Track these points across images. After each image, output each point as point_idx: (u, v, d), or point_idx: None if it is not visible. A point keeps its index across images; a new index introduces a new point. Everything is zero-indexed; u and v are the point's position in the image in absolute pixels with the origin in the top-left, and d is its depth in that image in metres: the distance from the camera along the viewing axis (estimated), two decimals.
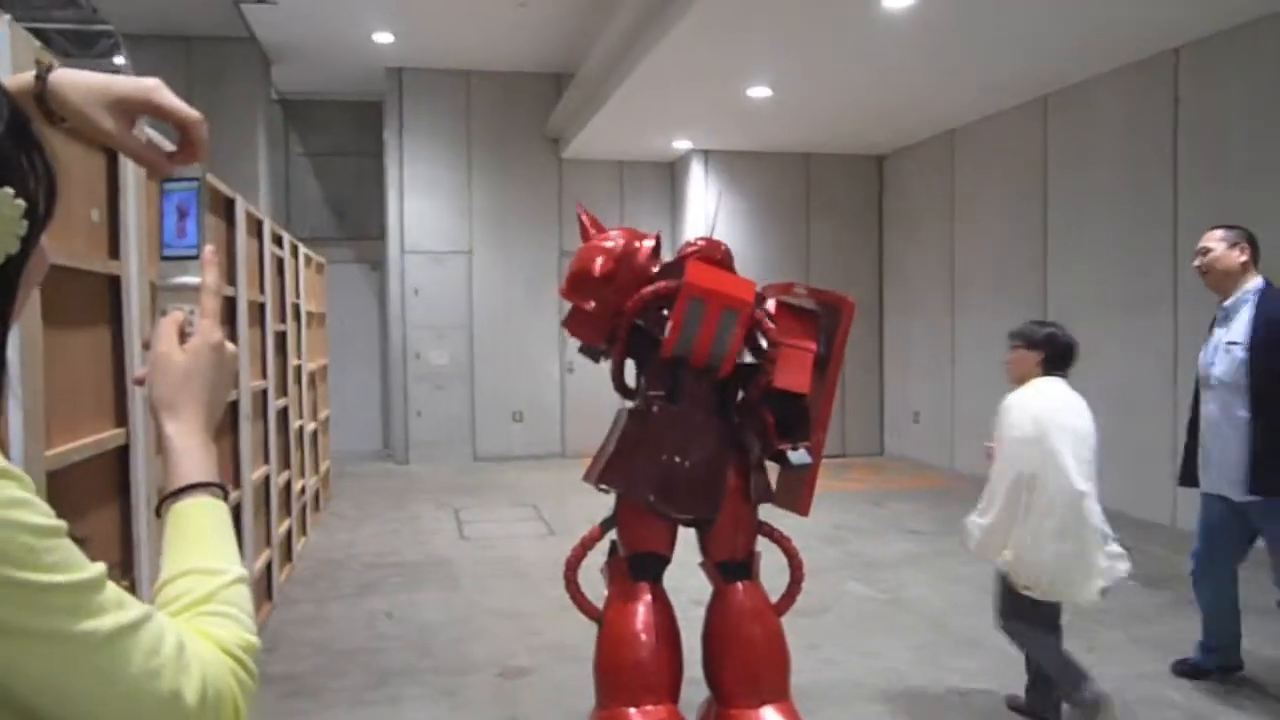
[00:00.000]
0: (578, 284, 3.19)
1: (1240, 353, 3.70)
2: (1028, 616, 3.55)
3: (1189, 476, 4.14)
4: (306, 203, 12.02)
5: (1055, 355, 3.61)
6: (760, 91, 8.19)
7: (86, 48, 12.65)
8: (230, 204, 4.54)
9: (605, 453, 3.21)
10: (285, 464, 6.22)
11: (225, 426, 4.44)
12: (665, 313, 3.10)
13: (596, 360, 3.42)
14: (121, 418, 2.76)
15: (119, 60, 10.97)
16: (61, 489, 2.33)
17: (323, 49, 10.22)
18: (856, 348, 11.03)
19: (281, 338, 6.14)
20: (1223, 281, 3.82)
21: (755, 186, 10.98)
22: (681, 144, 10.64)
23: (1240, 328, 3.74)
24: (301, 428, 6.95)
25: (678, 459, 3.07)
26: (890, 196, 11.12)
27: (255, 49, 9.92)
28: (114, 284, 2.73)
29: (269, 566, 5.40)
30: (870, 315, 11.20)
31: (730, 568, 3.21)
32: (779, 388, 3.02)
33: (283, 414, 6.12)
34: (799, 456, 3.10)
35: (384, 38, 9.78)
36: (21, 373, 2.02)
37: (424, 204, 11.10)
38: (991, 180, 9.22)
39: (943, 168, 9.99)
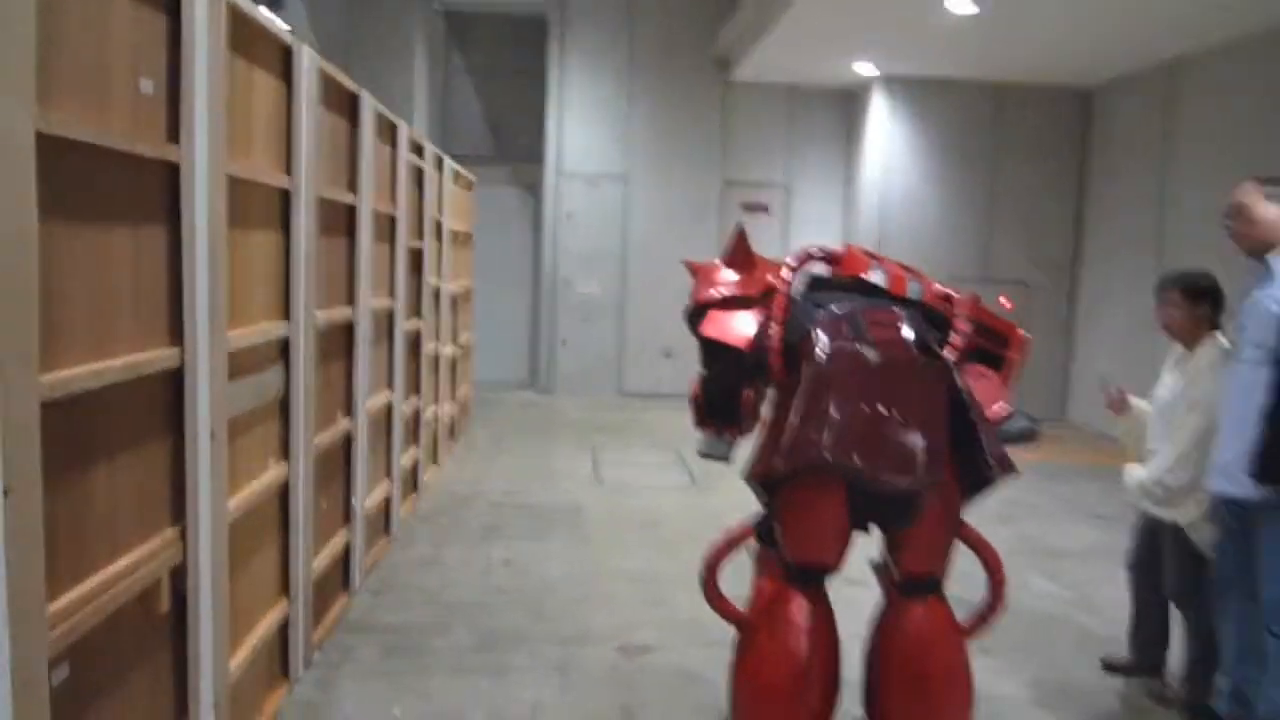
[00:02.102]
0: (707, 281, 2.90)
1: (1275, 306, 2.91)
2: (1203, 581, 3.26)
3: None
4: (465, 121, 11.60)
5: (1218, 305, 3.40)
6: (963, 6, 7.18)
7: None
8: (354, 100, 4.03)
9: (781, 434, 2.47)
10: (415, 390, 5.86)
11: (339, 349, 4.02)
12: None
13: (727, 459, 3.07)
14: (176, 335, 2.30)
15: None
16: (78, 419, 1.88)
17: None
18: (1043, 301, 9.97)
19: (417, 256, 5.72)
20: (1267, 236, 3.04)
21: (939, 119, 9.90)
22: (863, 67, 9.66)
23: None
24: (437, 352, 6.58)
25: (880, 407, 2.37)
26: (1097, 136, 9.87)
27: None
28: (172, 173, 2.25)
29: (387, 501, 5.05)
30: (1062, 269, 10.07)
31: (919, 582, 2.55)
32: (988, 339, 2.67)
33: (413, 337, 5.74)
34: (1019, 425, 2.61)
35: None
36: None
37: (582, 125, 10.55)
38: (1220, 122, 7.92)
39: (1160, 105, 8.70)
